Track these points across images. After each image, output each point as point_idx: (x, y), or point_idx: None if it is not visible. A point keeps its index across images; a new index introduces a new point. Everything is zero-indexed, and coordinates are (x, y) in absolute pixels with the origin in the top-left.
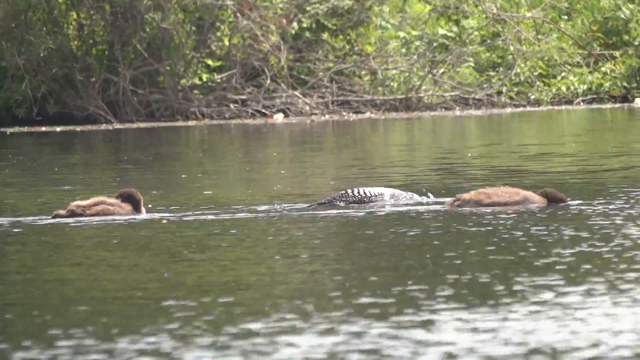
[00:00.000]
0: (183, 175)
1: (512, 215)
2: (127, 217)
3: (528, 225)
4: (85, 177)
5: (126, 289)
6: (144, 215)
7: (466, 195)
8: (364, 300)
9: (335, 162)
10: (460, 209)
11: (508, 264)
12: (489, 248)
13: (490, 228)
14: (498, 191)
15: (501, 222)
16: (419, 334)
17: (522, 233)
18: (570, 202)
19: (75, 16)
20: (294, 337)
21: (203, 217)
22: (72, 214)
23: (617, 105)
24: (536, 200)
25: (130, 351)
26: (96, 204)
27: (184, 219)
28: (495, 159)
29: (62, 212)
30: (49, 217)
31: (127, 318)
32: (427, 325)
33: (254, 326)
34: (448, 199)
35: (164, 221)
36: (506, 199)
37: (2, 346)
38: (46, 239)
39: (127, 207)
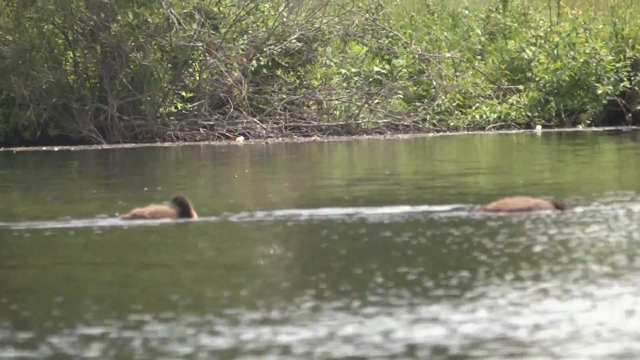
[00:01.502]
0: (158, 188)
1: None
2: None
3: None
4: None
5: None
6: (195, 218)
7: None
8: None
9: (287, 178)
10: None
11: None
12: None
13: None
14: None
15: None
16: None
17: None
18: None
19: (71, 55)
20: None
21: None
22: (134, 217)
23: (522, 131)
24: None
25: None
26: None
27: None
28: (411, 174)
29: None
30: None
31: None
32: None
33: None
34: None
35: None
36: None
37: None
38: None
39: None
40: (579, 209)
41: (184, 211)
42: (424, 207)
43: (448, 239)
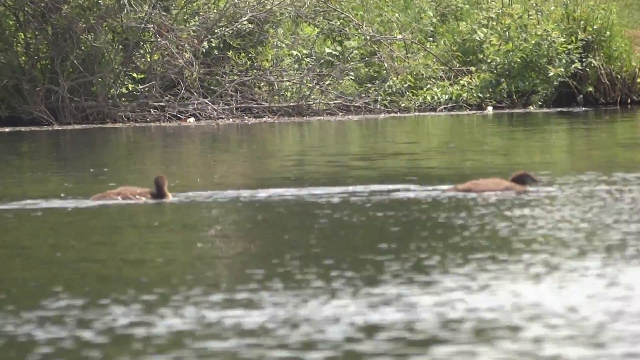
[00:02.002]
0: (104, 169)
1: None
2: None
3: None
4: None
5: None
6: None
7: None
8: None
9: (237, 157)
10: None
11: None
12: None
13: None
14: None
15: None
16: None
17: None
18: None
19: (22, 36)
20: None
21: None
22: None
23: (473, 112)
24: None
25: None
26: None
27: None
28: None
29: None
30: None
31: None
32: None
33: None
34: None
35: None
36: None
37: None
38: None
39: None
40: (534, 189)
41: (158, 192)
42: (379, 187)
43: (405, 218)
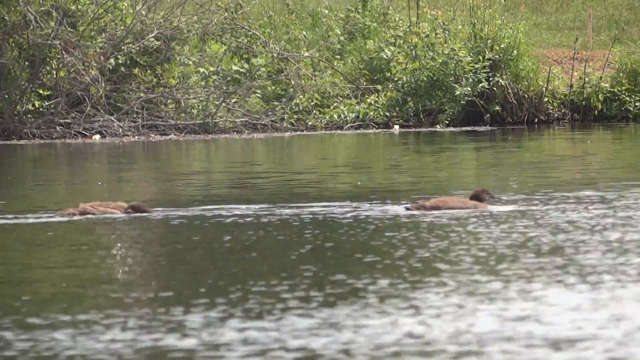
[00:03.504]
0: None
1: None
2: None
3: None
4: None
5: None
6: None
7: (427, 203)
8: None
9: (141, 177)
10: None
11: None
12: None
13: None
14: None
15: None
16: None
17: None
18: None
19: None
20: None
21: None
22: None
23: (380, 130)
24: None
25: None
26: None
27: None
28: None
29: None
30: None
31: None
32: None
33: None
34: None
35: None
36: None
37: None
38: None
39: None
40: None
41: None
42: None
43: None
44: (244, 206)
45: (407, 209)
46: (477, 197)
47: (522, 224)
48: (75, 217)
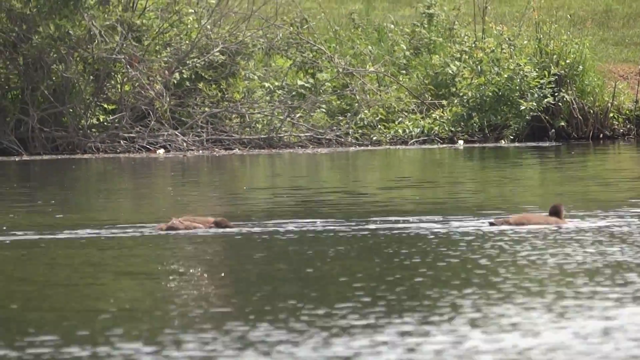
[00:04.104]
0: (52, 202)
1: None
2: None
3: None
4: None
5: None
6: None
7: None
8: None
9: (207, 191)
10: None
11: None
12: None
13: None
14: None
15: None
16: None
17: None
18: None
19: None
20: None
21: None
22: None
23: (444, 145)
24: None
25: None
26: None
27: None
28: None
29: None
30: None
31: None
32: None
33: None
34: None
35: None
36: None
37: None
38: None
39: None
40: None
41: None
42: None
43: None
44: (318, 220)
45: (492, 224)
46: (555, 213)
47: (605, 241)
48: (162, 232)
